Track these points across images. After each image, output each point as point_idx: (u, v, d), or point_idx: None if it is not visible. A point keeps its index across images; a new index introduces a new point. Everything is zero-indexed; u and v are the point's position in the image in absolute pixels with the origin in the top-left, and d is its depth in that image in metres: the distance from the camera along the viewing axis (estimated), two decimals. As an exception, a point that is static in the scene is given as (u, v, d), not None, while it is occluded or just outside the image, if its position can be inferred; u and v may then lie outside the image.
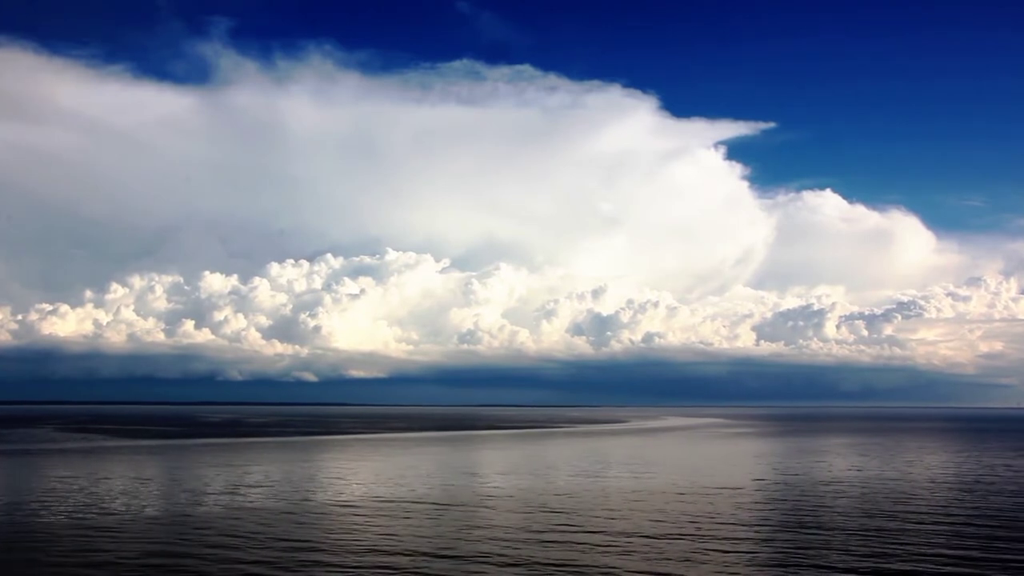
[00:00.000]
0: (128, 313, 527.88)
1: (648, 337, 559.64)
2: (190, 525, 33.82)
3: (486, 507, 39.35)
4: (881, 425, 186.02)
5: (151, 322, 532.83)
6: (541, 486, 48.17)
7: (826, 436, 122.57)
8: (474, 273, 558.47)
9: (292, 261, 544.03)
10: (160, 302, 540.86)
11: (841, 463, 67.19)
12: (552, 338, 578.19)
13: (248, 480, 51.27)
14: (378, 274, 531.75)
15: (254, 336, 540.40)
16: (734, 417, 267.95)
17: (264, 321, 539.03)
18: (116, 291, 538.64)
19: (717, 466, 65.04)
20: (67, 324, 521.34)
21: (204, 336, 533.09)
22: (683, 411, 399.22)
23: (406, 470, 60.02)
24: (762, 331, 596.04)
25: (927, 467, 63.44)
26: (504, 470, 60.58)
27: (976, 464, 66.89)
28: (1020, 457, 76.87)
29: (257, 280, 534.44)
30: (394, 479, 52.42)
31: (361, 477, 54.01)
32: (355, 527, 33.40)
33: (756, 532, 32.40)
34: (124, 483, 49.28)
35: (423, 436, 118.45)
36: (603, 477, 54.15)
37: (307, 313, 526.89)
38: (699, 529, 32.90)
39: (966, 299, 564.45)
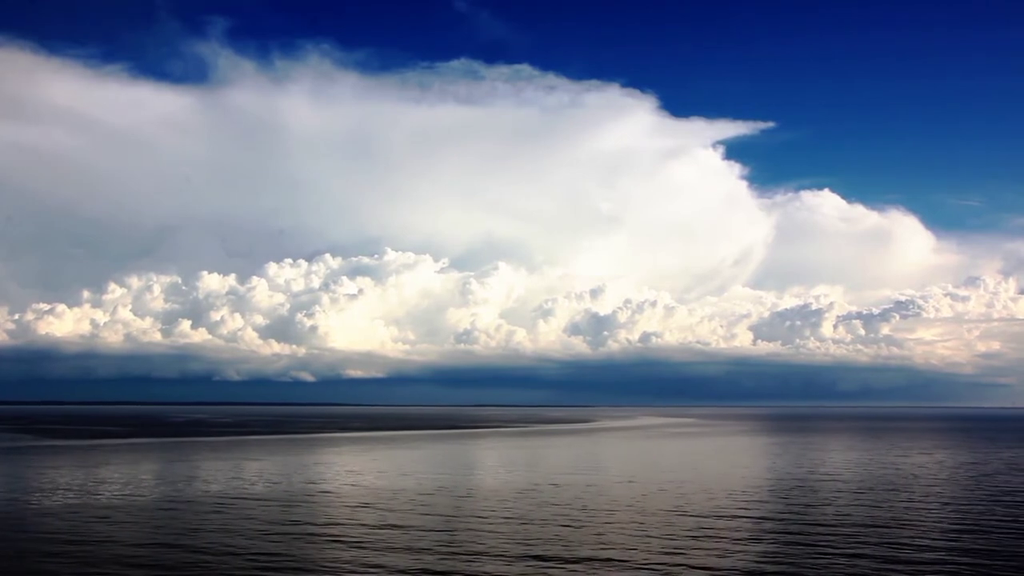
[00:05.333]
0: (125, 313, 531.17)
1: (645, 337, 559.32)
2: None
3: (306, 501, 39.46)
4: (857, 424, 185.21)
5: (148, 322, 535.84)
6: (378, 483, 48.30)
7: (785, 434, 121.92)
8: (472, 273, 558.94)
9: (290, 261, 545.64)
10: (157, 302, 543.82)
11: (732, 459, 66.89)
12: (549, 338, 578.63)
13: (102, 478, 51.47)
14: (376, 274, 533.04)
15: (251, 336, 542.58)
16: (717, 417, 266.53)
17: (261, 321, 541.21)
18: (114, 291, 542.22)
19: (594, 466, 64.76)
20: (64, 324, 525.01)
21: (201, 336, 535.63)
22: (673, 411, 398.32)
23: (291, 468, 60.20)
24: (759, 331, 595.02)
25: (819, 463, 63.06)
26: (378, 469, 60.73)
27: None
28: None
29: (255, 280, 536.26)
30: (256, 478, 52.56)
31: (230, 476, 54.06)
32: (194, 522, 33.51)
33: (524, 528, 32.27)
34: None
35: (364, 436, 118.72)
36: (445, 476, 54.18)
37: (304, 313, 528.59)
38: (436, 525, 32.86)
39: (964, 299, 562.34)
